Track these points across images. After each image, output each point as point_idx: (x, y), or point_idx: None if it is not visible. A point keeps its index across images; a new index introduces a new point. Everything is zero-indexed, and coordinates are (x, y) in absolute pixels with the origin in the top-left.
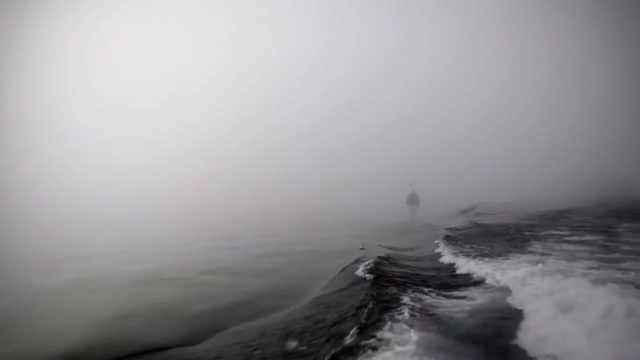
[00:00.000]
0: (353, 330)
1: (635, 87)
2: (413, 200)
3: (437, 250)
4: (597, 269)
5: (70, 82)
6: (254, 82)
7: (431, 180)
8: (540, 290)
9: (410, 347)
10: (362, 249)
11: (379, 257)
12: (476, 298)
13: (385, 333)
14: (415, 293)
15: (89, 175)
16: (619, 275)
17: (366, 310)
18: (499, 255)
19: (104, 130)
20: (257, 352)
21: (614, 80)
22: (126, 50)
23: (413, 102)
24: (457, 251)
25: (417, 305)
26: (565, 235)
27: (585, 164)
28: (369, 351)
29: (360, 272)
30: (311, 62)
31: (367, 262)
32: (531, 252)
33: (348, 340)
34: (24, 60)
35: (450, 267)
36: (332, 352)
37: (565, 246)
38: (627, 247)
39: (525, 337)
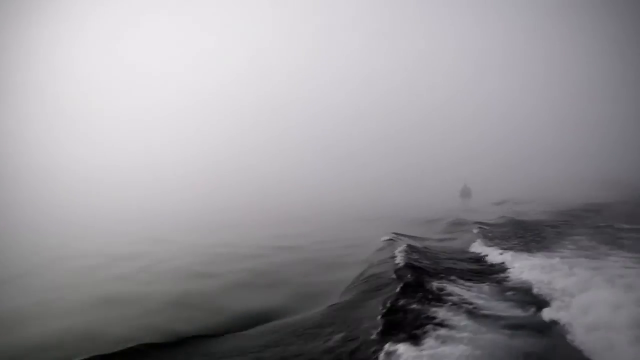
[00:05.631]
0: None
1: None
2: (466, 193)
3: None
4: None
5: (75, 79)
6: (282, 80)
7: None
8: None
9: None
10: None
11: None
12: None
13: None
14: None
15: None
16: None
17: None
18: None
19: (121, 128)
20: None
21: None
22: (154, 46)
23: (441, 100)
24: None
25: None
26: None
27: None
28: None
29: None
30: (341, 61)
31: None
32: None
33: None
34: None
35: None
36: None
37: None
38: None
39: None
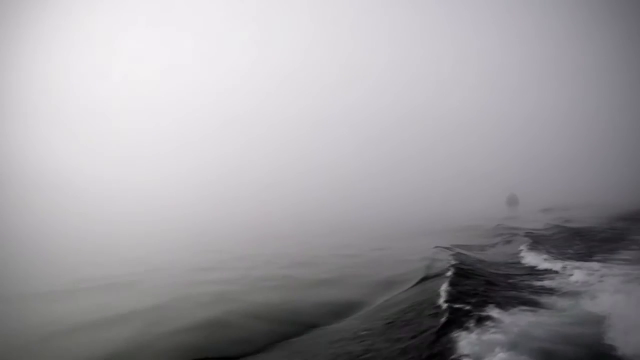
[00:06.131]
0: None
1: None
2: (512, 201)
3: None
4: None
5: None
6: (308, 100)
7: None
8: None
9: None
10: None
11: None
12: None
13: None
14: None
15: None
16: None
17: None
18: None
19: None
20: None
21: None
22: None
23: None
24: None
25: None
26: None
27: None
28: None
29: None
30: (374, 74)
31: None
32: None
33: None
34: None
35: None
36: None
37: None
38: None
39: None
